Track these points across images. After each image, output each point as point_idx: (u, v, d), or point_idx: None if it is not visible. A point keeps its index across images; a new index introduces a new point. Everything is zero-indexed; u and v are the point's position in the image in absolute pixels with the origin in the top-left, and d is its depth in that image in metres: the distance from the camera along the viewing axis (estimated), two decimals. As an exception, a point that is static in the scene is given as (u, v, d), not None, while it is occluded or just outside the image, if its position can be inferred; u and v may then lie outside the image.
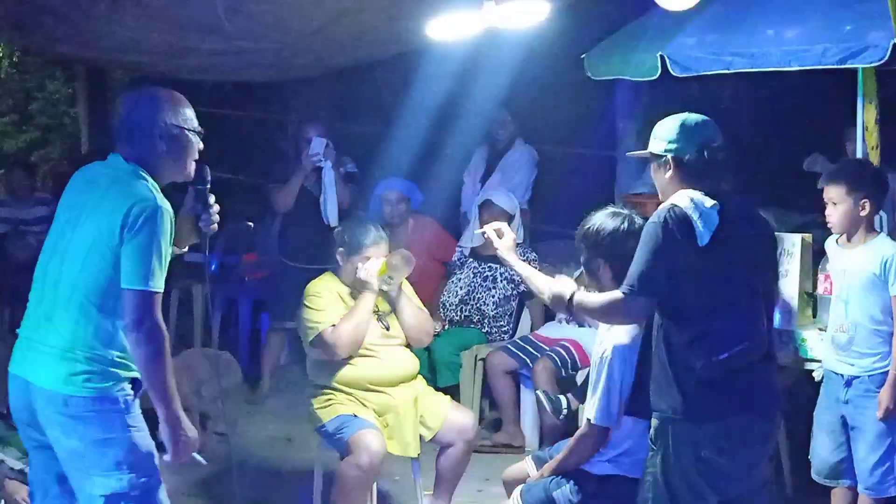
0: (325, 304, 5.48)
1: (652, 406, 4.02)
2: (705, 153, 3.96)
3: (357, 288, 5.53)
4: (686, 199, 3.87)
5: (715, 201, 3.86)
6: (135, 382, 3.89)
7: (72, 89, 14.65)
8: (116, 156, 3.97)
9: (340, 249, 5.58)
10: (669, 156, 4.01)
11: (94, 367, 3.80)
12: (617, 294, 3.96)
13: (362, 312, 5.43)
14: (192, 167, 4.10)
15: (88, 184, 4.00)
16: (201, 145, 4.11)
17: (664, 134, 4.05)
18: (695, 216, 3.81)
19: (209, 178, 4.16)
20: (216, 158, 11.16)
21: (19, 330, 4.02)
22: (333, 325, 5.39)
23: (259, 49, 7.40)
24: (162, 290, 3.81)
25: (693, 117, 4.05)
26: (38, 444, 3.99)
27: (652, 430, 4.00)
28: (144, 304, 3.76)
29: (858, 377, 4.94)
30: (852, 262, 5.01)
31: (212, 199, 4.17)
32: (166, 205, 3.85)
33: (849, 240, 5.06)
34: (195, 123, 4.09)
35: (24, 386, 3.89)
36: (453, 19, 6.03)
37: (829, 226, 5.12)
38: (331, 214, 7.66)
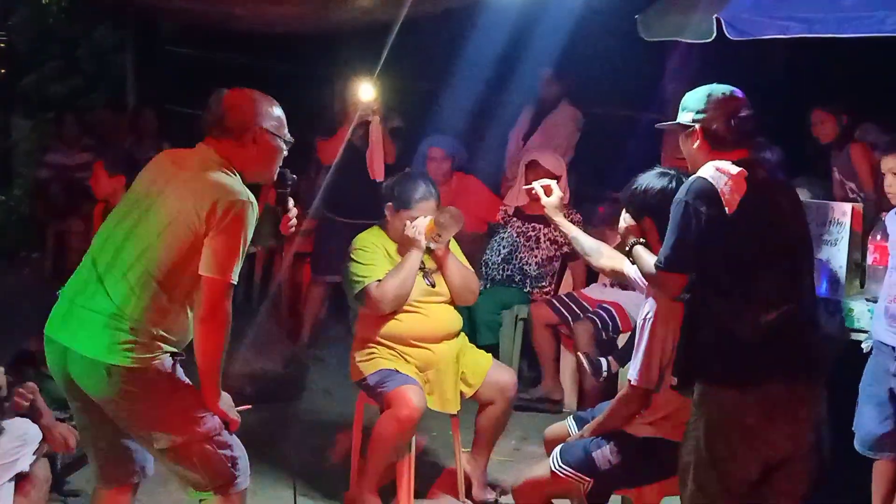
0: (372, 258, 5.46)
1: (696, 371, 4.01)
2: (732, 123, 3.97)
3: (405, 244, 5.51)
4: (711, 169, 3.89)
5: (741, 168, 3.87)
6: (174, 355, 3.94)
7: (119, 36, 14.67)
8: (208, 148, 4.02)
9: (389, 204, 5.55)
10: (697, 126, 4.02)
11: (139, 338, 3.82)
12: (651, 267, 4.04)
13: (409, 269, 5.40)
14: (275, 172, 4.16)
15: (175, 165, 4.05)
16: (286, 153, 4.17)
17: (692, 105, 4.06)
18: (720, 185, 3.82)
19: (290, 183, 4.25)
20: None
21: (61, 291, 4.04)
22: (379, 280, 5.37)
23: (311, 1, 7.39)
24: (236, 282, 3.88)
25: (721, 88, 4.04)
26: (79, 406, 4.05)
27: (696, 395, 4.00)
28: (222, 294, 3.83)
29: (911, 350, 4.90)
30: None
31: (291, 202, 4.25)
32: (254, 200, 3.91)
33: None
34: (286, 131, 4.14)
35: (61, 351, 3.92)
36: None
37: (888, 196, 5.07)
38: (377, 169, 7.66)
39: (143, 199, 3.97)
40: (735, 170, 3.86)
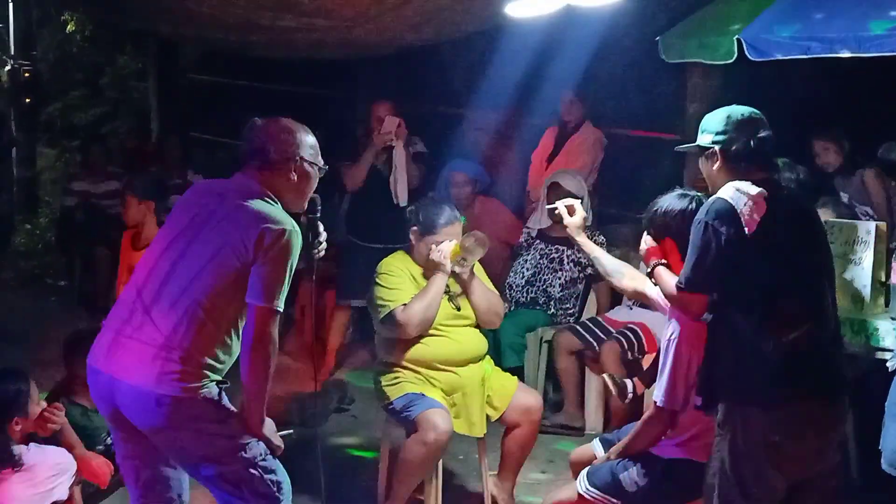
0: (398, 282, 5.48)
1: (719, 391, 4.02)
2: (752, 143, 3.99)
3: (430, 269, 5.53)
4: (731, 189, 3.92)
5: (761, 189, 3.89)
6: (219, 383, 3.99)
7: (141, 64, 14.79)
8: (247, 177, 4.08)
9: (414, 228, 5.58)
10: (717, 148, 4.04)
11: (188, 368, 3.86)
12: (672, 288, 4.05)
13: (434, 293, 5.42)
14: (308, 200, 4.22)
15: (217, 195, 4.09)
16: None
17: (711, 126, 4.08)
18: (740, 205, 3.85)
19: (320, 208, 4.31)
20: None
21: (105, 321, 4.08)
22: (405, 305, 5.39)
23: (332, 26, 7.43)
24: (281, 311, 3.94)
25: (740, 109, 4.08)
26: (123, 437, 4.09)
27: (719, 415, 4.00)
28: (269, 321, 3.89)
29: (928, 365, 4.90)
30: None
31: (321, 227, 4.30)
32: (298, 229, 3.97)
33: None
34: (320, 159, 4.21)
35: (108, 383, 3.96)
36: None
37: None
38: (401, 194, 7.68)
39: (187, 231, 4.01)
40: (755, 190, 3.88)
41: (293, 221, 3.97)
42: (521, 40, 8.05)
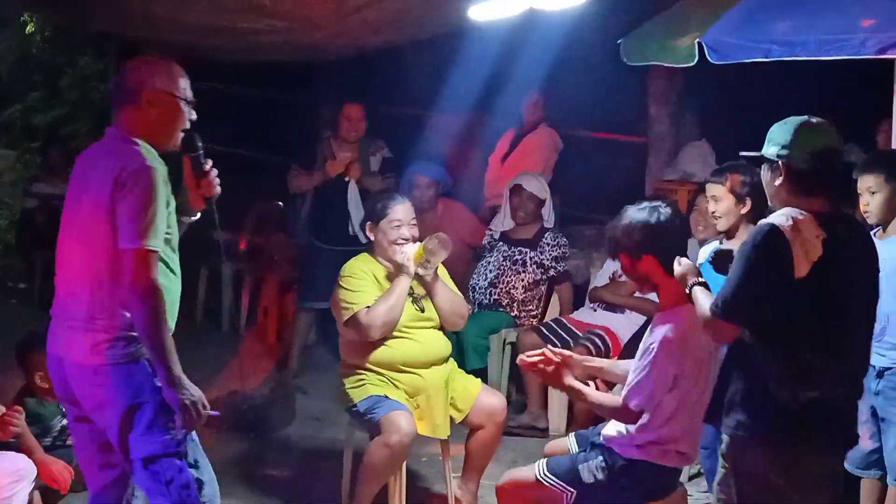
0: (361, 285, 5.47)
1: (724, 420, 3.87)
2: (820, 163, 3.76)
3: (393, 270, 5.53)
4: (788, 220, 3.68)
5: (821, 230, 3.66)
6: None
7: (102, 65, 14.68)
8: (114, 127, 4.01)
9: (368, 223, 5.62)
10: (781, 162, 3.79)
11: (115, 335, 3.86)
12: (707, 311, 3.82)
13: (398, 295, 5.42)
14: (178, 136, 4.09)
15: (88, 160, 4.05)
16: (193, 116, 4.11)
17: (779, 138, 3.82)
18: (795, 244, 3.61)
19: (201, 145, 4.18)
20: (248, 138, 11.14)
21: (51, 311, 4.11)
22: (368, 307, 5.38)
23: (293, 29, 7.42)
24: (159, 250, 3.82)
25: (813, 122, 3.82)
26: (76, 417, 4.10)
27: (723, 447, 3.86)
28: (140, 262, 3.76)
29: (890, 368, 4.91)
30: (887, 251, 4.94)
31: (208, 164, 4.19)
32: (158, 164, 3.88)
33: (884, 230, 5.02)
34: (188, 93, 4.08)
35: (57, 362, 4.01)
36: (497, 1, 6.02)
37: (865, 216, 5.07)
38: (358, 229, 7.60)
39: (74, 203, 4.01)
40: (814, 232, 3.65)
41: (153, 159, 3.87)
42: (483, 43, 8.05)
